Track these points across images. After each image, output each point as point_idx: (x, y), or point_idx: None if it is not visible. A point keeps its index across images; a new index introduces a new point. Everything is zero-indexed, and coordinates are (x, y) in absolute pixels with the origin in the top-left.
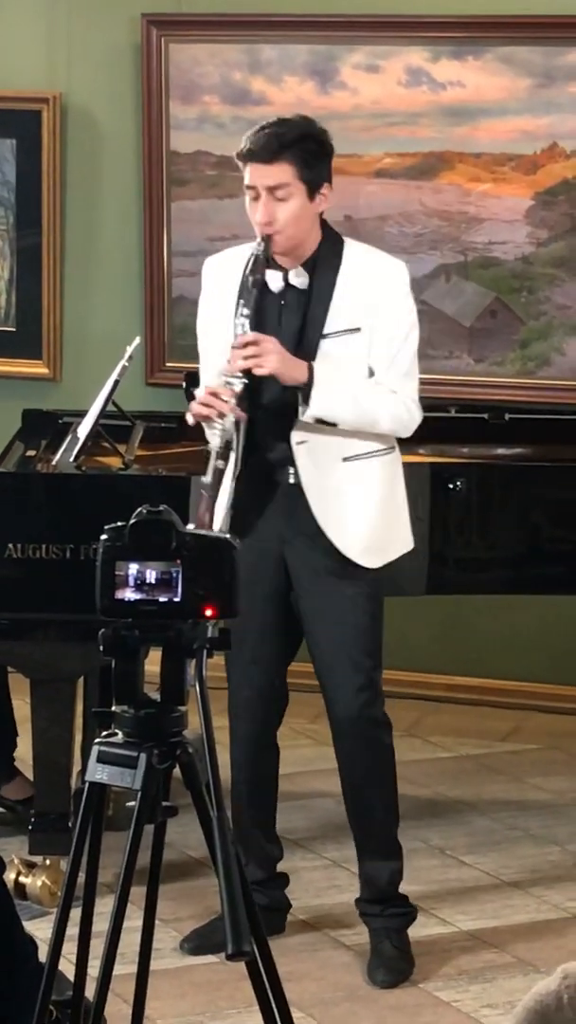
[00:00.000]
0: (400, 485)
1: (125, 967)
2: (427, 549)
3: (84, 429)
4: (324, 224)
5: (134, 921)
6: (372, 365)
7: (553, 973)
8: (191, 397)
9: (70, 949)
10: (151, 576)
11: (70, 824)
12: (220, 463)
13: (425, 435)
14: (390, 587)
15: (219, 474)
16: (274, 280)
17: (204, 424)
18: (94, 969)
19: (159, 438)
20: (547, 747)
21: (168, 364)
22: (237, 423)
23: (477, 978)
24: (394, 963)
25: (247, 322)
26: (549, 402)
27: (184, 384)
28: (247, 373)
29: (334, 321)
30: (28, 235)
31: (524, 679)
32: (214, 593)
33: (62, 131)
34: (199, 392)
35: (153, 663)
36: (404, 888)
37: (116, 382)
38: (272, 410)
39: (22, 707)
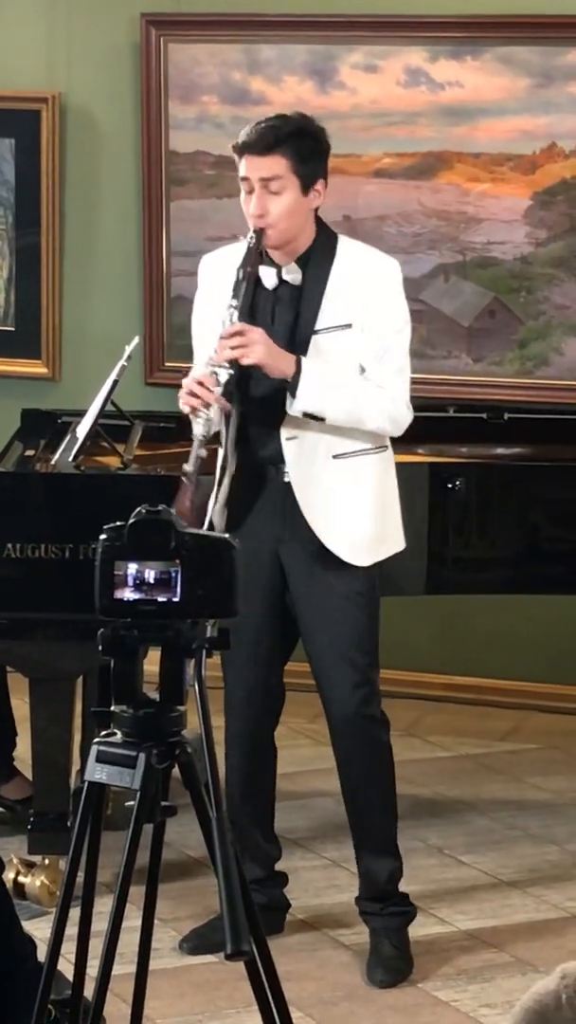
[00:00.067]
0: (392, 484)
1: (124, 967)
2: (426, 549)
3: (83, 429)
4: (319, 221)
5: (133, 921)
6: (362, 361)
7: (552, 973)
8: None
9: (69, 949)
10: (150, 576)
11: (69, 824)
12: (203, 452)
13: (424, 435)
14: (389, 587)
15: (201, 463)
16: (268, 277)
17: (190, 415)
18: (93, 969)
19: (158, 438)
20: (546, 747)
21: (167, 364)
22: (227, 417)
23: (476, 978)
24: (393, 963)
25: (236, 313)
26: (548, 402)
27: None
28: (234, 364)
29: (326, 317)
30: (27, 235)
31: (523, 679)
32: (213, 593)
33: (61, 131)
34: (186, 381)
35: (152, 663)
36: (403, 888)
37: (115, 382)
38: (264, 406)
39: (21, 707)
